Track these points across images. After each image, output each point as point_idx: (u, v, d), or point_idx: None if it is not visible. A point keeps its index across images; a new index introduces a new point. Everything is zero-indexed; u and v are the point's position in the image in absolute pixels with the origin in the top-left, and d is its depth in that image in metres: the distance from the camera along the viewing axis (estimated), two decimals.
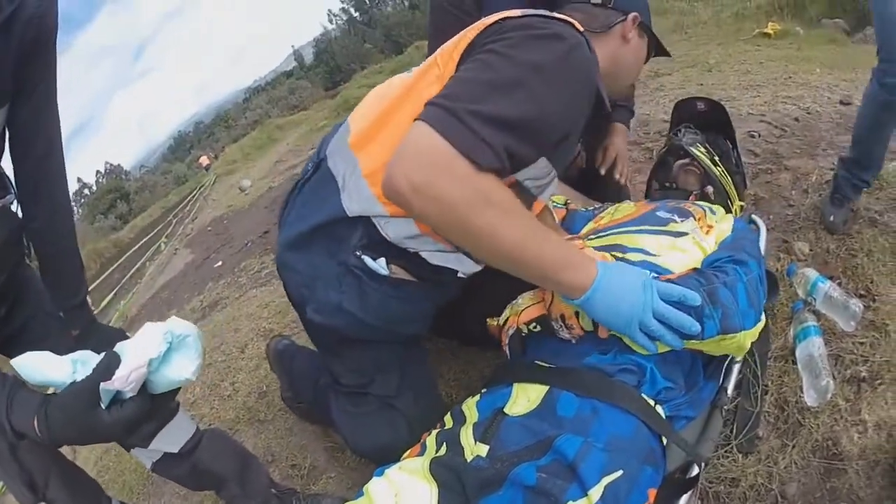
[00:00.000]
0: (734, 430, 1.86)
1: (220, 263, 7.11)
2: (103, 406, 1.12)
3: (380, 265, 1.55)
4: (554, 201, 2.27)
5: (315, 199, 1.64)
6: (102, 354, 1.15)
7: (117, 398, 1.14)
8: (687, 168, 2.29)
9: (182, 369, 1.21)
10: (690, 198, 2.19)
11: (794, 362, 1.96)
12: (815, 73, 4.89)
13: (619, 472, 1.23)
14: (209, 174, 32.42)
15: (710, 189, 2.23)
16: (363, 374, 1.81)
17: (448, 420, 1.56)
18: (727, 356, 1.75)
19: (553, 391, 1.40)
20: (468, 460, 1.34)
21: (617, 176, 2.62)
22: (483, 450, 1.34)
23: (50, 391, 1.17)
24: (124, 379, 1.11)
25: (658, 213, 1.89)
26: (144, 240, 19.58)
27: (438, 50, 1.53)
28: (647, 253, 1.65)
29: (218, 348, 3.81)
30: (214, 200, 17.65)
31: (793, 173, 3.10)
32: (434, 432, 1.53)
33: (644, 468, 1.30)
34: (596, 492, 1.19)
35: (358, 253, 1.54)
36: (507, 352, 1.72)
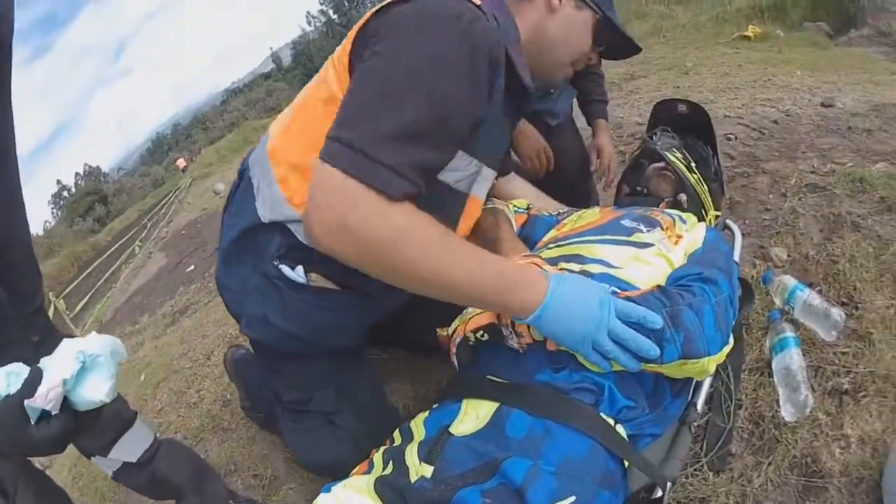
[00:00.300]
0: (704, 448, 1.76)
1: (192, 268, 7.13)
2: (32, 422, 1.13)
3: (298, 274, 1.51)
4: (516, 205, 2.15)
5: (239, 210, 1.61)
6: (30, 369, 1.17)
7: (44, 415, 1.15)
8: (661, 173, 2.20)
9: (95, 390, 1.22)
10: (661, 205, 2.10)
11: (771, 375, 1.86)
12: (795, 75, 4.85)
13: (571, 498, 1.16)
14: (185, 177, 32.75)
15: (683, 197, 2.13)
16: (302, 391, 1.77)
17: (397, 436, 1.50)
18: None
19: (503, 409, 1.34)
20: (412, 481, 1.28)
21: (608, 177, 2.70)
22: (427, 471, 1.29)
23: None
24: (44, 397, 1.12)
25: (623, 222, 1.79)
26: (120, 243, 19.77)
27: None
28: (609, 265, 1.57)
29: (185, 355, 3.82)
30: (189, 204, 17.92)
31: (771, 176, 3.03)
32: (382, 449, 1.48)
33: (600, 492, 1.23)
34: None
35: (276, 262, 1.51)
36: (455, 363, 1.64)
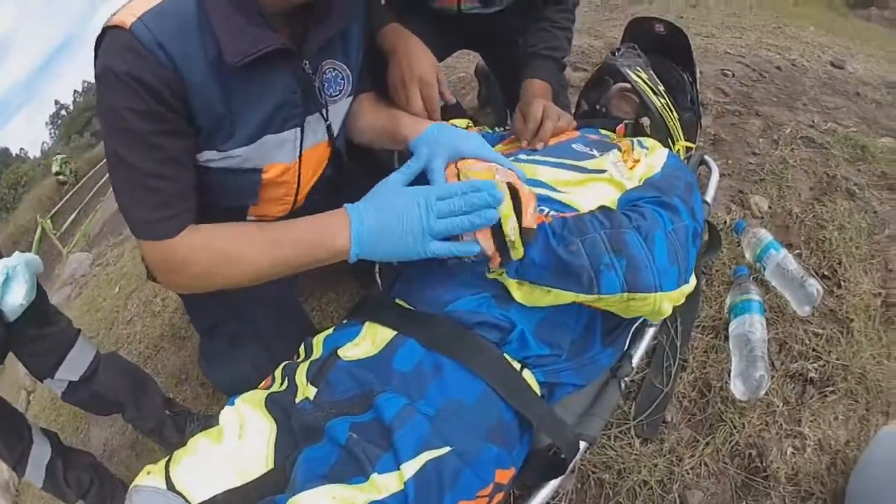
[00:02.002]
0: (634, 409, 1.56)
1: None
2: None
3: None
4: (455, 125, 1.82)
5: None
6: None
7: None
8: (623, 93, 1.99)
9: (16, 295, 1.61)
10: (619, 128, 1.89)
11: (726, 338, 1.65)
12: (808, 29, 4.61)
13: (445, 449, 1.07)
14: None
15: (645, 121, 1.92)
16: (208, 318, 1.83)
17: (301, 351, 1.45)
18: (639, 317, 1.50)
19: (399, 338, 1.27)
20: (297, 402, 1.24)
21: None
22: (311, 392, 1.24)
23: None
24: None
25: (574, 146, 1.67)
26: None
27: None
28: (551, 188, 1.47)
29: None
30: None
31: (764, 121, 2.77)
32: (283, 364, 1.42)
33: (486, 446, 1.13)
34: (410, 467, 1.03)
35: None
36: (378, 280, 1.59)
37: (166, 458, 1.16)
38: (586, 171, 1.52)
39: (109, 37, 1.13)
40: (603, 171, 1.51)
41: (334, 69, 1.46)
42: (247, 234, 1.29)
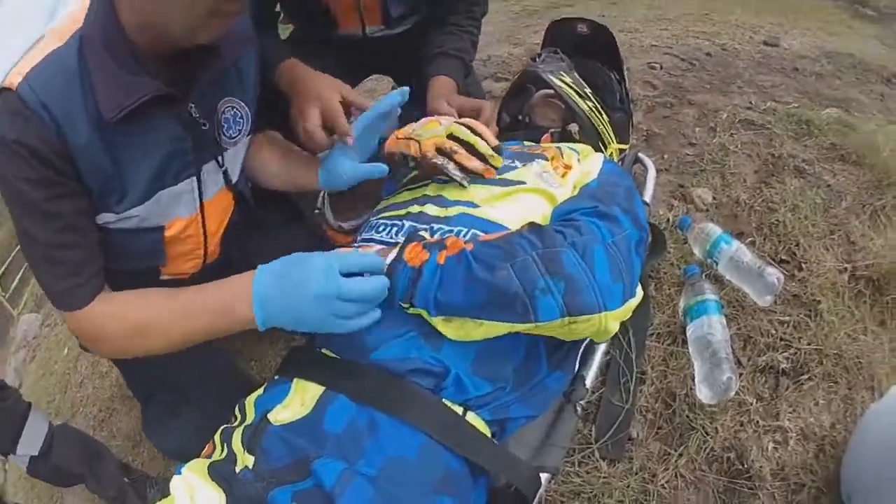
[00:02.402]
0: (594, 432, 1.49)
1: None
2: None
3: None
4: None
5: None
6: None
7: None
8: (547, 100, 1.88)
9: None
10: (544, 137, 1.79)
11: (685, 343, 1.59)
12: (736, 13, 4.53)
13: None
14: None
15: (574, 127, 1.81)
16: (144, 388, 1.82)
17: (237, 414, 1.34)
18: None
19: (328, 394, 1.17)
20: (237, 471, 1.13)
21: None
22: (249, 461, 1.13)
23: None
24: None
25: None
26: None
27: None
28: (472, 205, 1.37)
29: None
30: None
31: (698, 109, 2.67)
32: (221, 428, 1.32)
33: (440, 500, 1.06)
34: None
35: None
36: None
37: None
38: (510, 183, 1.42)
39: (1, 100, 1.08)
40: (523, 183, 1.42)
41: (233, 107, 1.39)
42: (158, 304, 1.26)
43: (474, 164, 1.36)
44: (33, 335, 5.15)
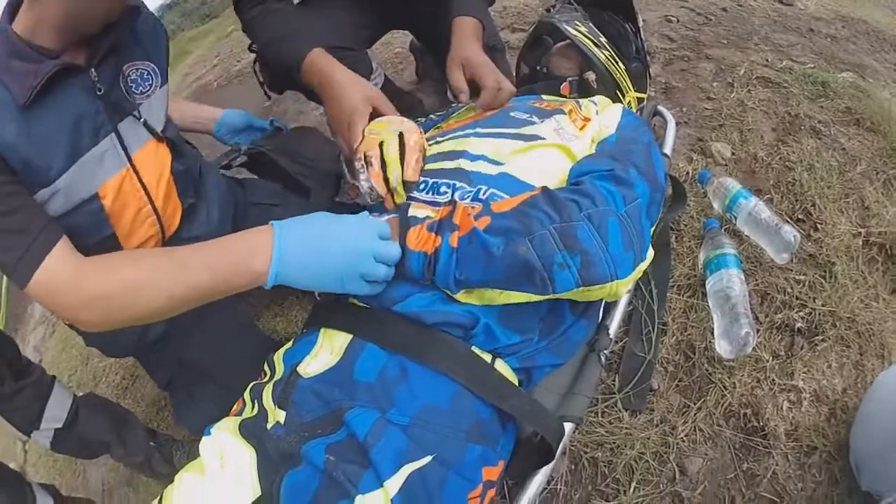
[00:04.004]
0: (618, 381, 1.50)
1: None
2: None
3: None
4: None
5: None
6: None
7: None
8: (563, 50, 1.87)
9: None
10: (563, 86, 1.79)
11: (704, 296, 1.59)
12: None
13: (427, 459, 1.02)
14: None
15: (591, 75, 1.81)
16: (163, 373, 1.84)
17: (266, 370, 1.33)
18: None
19: (356, 343, 1.17)
20: (269, 427, 1.14)
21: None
22: (281, 416, 1.14)
23: None
24: None
25: (512, 114, 1.53)
26: None
27: None
28: (492, 161, 1.34)
29: None
30: None
31: (716, 64, 2.66)
32: (251, 385, 1.32)
33: (468, 447, 1.08)
34: (394, 483, 0.98)
35: None
36: None
37: (158, 499, 1.09)
38: (528, 137, 1.40)
39: None
40: (543, 138, 1.40)
41: (137, 69, 1.48)
42: (155, 257, 1.24)
43: (379, 188, 1.33)
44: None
